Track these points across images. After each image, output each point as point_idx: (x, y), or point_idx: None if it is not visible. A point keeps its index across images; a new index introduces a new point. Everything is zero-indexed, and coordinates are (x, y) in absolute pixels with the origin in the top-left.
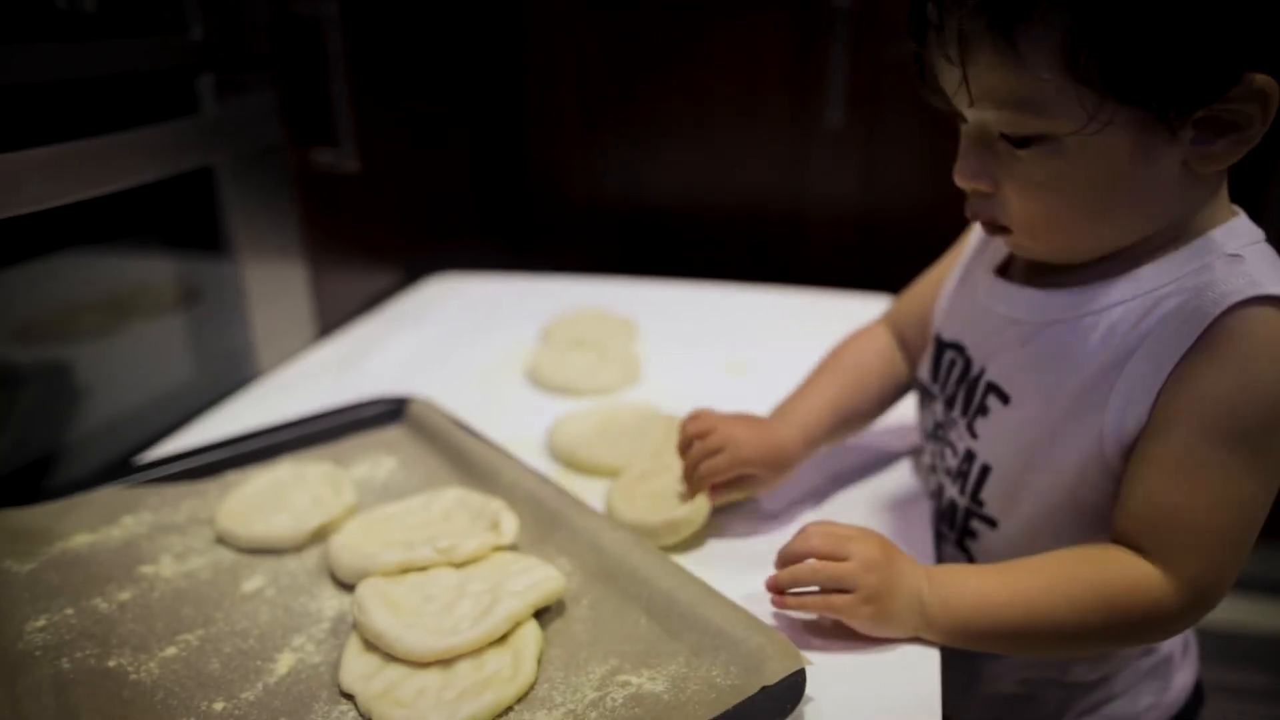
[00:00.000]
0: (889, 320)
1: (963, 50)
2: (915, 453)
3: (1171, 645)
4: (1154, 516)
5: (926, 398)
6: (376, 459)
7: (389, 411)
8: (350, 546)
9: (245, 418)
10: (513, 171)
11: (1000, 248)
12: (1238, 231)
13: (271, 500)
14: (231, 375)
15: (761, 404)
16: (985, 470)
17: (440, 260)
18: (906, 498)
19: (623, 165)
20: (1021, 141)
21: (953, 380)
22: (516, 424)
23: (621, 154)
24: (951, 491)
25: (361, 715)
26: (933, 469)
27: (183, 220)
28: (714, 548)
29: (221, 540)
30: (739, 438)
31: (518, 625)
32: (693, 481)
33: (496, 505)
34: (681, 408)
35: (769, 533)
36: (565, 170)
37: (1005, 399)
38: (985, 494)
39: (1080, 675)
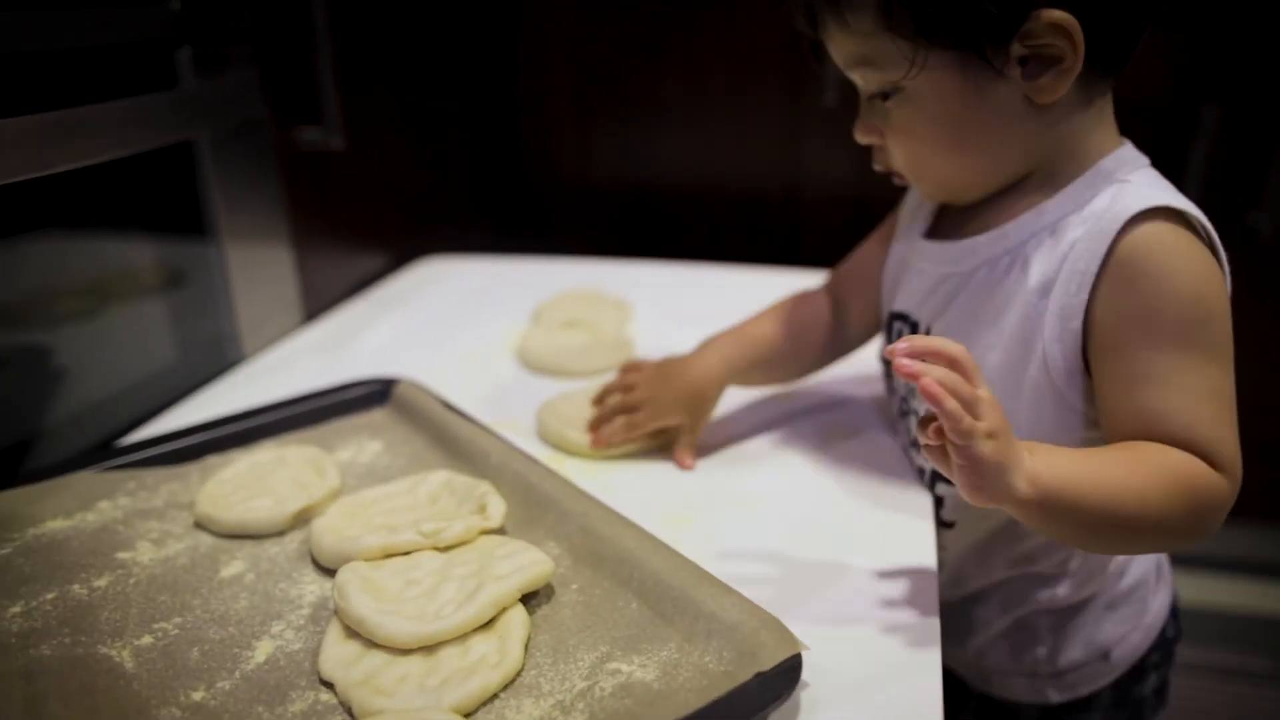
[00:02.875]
0: (829, 286)
1: (813, 23)
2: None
3: (1146, 569)
4: (1158, 429)
5: (887, 375)
6: (361, 442)
7: (375, 393)
8: (332, 530)
9: (228, 402)
10: (505, 152)
11: (925, 212)
12: (1124, 159)
13: (252, 484)
14: (215, 360)
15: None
16: None
17: (430, 242)
18: (902, 485)
19: (616, 145)
20: (883, 95)
21: None
22: (506, 406)
23: (615, 134)
24: (922, 460)
25: (341, 703)
26: (911, 445)
27: (163, 200)
28: (704, 531)
29: (201, 525)
30: (661, 403)
31: (504, 610)
32: (602, 433)
33: (484, 488)
34: None
35: (756, 519)
36: (558, 150)
37: None
38: None
39: (1067, 598)
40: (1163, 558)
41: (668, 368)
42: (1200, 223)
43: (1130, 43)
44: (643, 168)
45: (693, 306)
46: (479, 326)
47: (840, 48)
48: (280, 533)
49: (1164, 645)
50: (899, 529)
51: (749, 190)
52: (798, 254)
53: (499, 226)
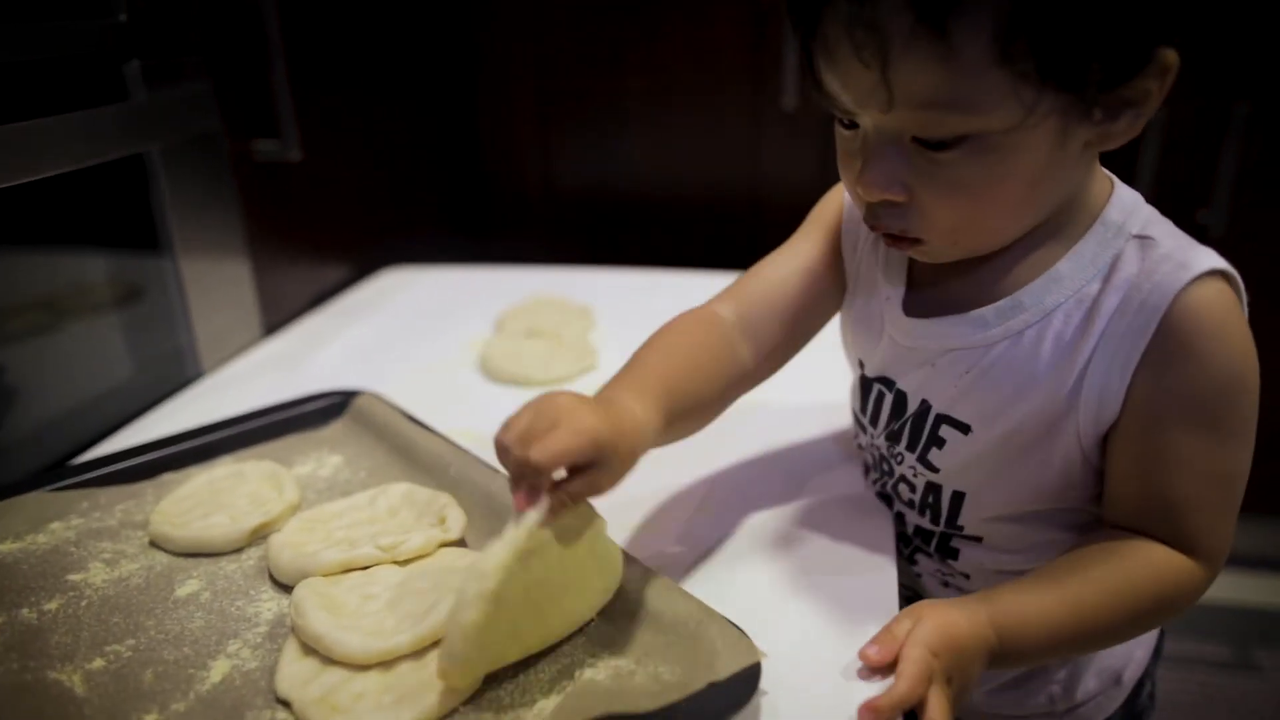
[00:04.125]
0: (732, 301)
1: (882, 50)
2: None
3: None
4: (1158, 511)
5: (860, 427)
6: (321, 455)
7: (335, 406)
8: (290, 546)
9: (185, 418)
10: (466, 160)
11: (896, 268)
12: (1126, 205)
13: (209, 501)
14: (172, 376)
15: None
16: (959, 497)
17: (392, 252)
18: (862, 503)
19: (578, 152)
20: (938, 144)
21: (886, 414)
22: (468, 416)
23: (577, 140)
24: (919, 520)
25: None
26: (883, 495)
27: (116, 214)
28: (665, 539)
29: (156, 544)
30: (571, 407)
31: None
32: (518, 479)
33: (444, 500)
34: None
35: (718, 528)
36: (520, 158)
37: (964, 429)
38: (964, 519)
39: None
40: None
41: (571, 397)
42: (1234, 277)
43: None
44: (605, 174)
45: (656, 312)
46: (441, 336)
47: (916, 82)
48: (237, 550)
49: (1157, 651)
50: (860, 541)
51: (711, 195)
52: (759, 257)
53: (461, 235)
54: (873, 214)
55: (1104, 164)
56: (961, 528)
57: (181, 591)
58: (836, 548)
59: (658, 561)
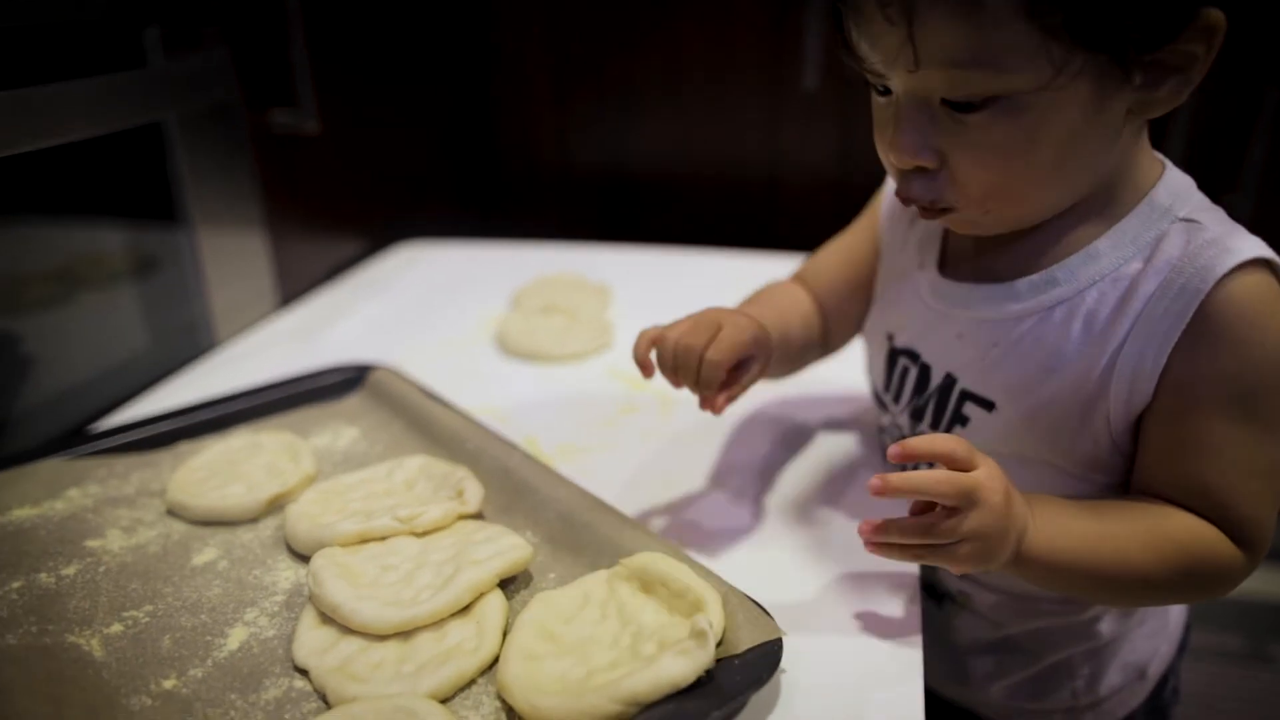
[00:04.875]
0: (812, 290)
1: (908, 7)
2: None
3: None
4: (1193, 496)
5: (882, 406)
6: (338, 427)
7: (350, 379)
8: (307, 516)
9: (201, 388)
10: (482, 136)
11: (931, 240)
12: (1176, 187)
13: (225, 470)
14: (188, 347)
15: None
16: None
17: (408, 227)
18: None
19: (595, 129)
20: (967, 106)
21: (910, 389)
22: (485, 391)
23: (593, 117)
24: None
25: (315, 690)
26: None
27: (133, 185)
28: (684, 517)
29: (173, 512)
30: (726, 313)
31: (481, 596)
32: (685, 373)
33: (461, 473)
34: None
35: (738, 505)
36: (536, 134)
37: (989, 405)
38: None
39: (1109, 632)
40: None
41: (720, 308)
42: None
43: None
44: (621, 152)
45: (672, 290)
46: (457, 312)
47: (943, 39)
48: (254, 519)
49: (1181, 645)
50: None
51: (728, 174)
52: (776, 237)
53: (477, 211)
54: (905, 184)
55: None
56: None
57: (199, 559)
58: (856, 529)
59: (678, 539)
